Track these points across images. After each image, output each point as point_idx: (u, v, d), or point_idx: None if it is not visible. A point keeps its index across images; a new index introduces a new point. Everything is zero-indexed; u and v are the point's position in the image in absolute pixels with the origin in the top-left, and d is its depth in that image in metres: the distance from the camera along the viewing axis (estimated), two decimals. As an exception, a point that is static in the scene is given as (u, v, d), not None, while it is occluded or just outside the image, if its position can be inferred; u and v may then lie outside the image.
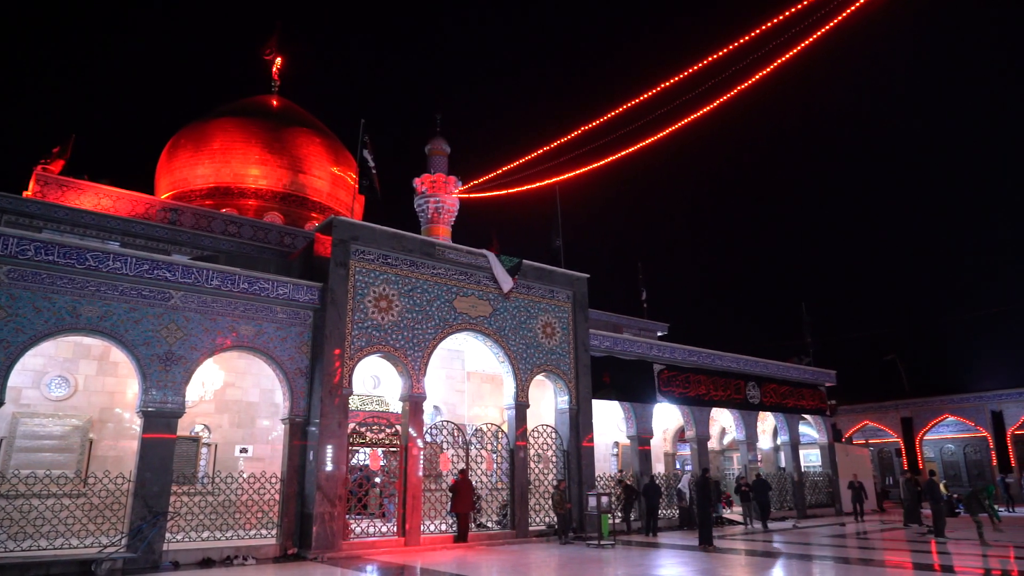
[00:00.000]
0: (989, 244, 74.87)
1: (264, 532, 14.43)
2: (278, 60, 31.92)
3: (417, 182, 35.37)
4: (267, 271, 15.23)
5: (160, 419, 12.75)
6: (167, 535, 12.46)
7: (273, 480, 14.16)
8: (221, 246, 21.03)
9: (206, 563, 12.40)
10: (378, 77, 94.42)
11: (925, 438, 37.22)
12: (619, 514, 19.25)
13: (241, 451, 16.62)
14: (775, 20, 27.97)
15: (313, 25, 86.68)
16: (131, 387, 14.93)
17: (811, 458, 28.50)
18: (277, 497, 14.11)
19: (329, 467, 13.97)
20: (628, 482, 19.83)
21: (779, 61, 28.80)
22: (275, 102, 30.07)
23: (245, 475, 14.70)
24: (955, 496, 26.57)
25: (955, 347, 57.10)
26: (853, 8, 26.23)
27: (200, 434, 16.16)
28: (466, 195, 35.42)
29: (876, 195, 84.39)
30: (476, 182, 35.03)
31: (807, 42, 28.18)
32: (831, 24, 27.55)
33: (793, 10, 27.27)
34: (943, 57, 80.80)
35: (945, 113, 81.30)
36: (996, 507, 19.04)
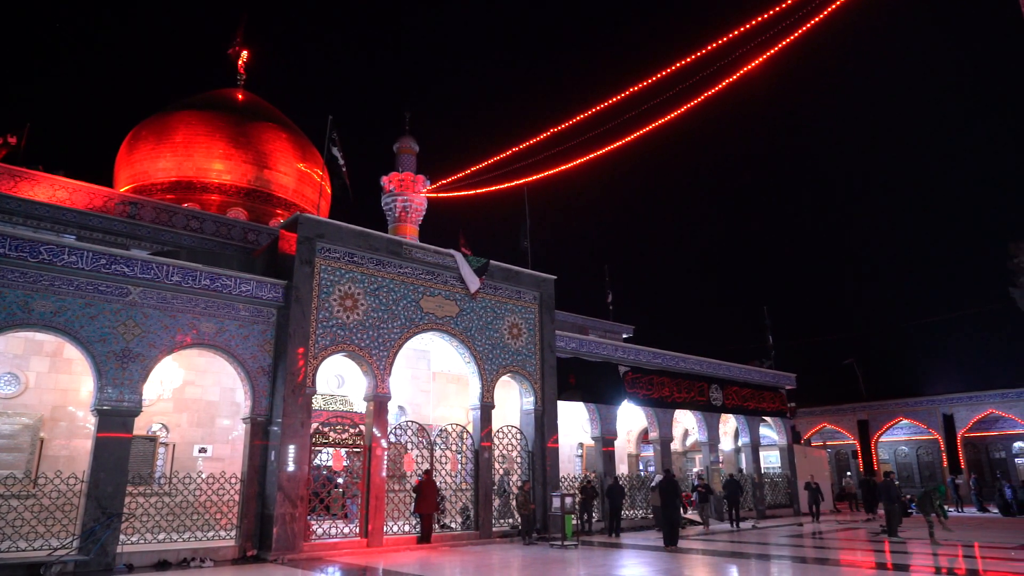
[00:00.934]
0: (943, 254, 77.25)
1: (223, 534, 14.15)
2: (244, 53, 31.38)
3: (385, 180, 35.12)
4: (230, 268, 14.95)
5: (116, 418, 12.41)
6: (121, 537, 12.13)
7: (233, 480, 13.90)
8: (182, 241, 20.58)
9: (162, 565, 12.11)
10: (347, 74, 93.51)
11: (880, 440, 38.18)
12: (594, 515, 19.41)
13: (200, 451, 16.29)
14: (742, 28, 28.49)
15: (280, 19, 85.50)
16: (85, 385, 14.53)
17: (771, 459, 29.03)
18: (237, 498, 13.85)
19: (291, 467, 13.77)
20: (590, 483, 19.93)
21: (743, 70, 29.36)
22: (240, 96, 29.56)
23: (204, 475, 14.39)
24: (908, 497, 27.31)
25: (910, 352, 58.74)
26: (811, 24, 26.85)
27: (158, 433, 15.80)
28: (434, 194, 35.28)
29: (837, 204, 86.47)
30: (444, 181, 34.92)
31: (769, 53, 28.78)
32: (788, 39, 28.16)
33: (756, 21, 27.81)
34: (906, 67, 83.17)
35: (907, 124, 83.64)
36: (946, 507, 19.61)
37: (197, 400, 16.69)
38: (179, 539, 13.22)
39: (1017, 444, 34.50)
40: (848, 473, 38.92)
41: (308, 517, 14.25)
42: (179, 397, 16.39)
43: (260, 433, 14.18)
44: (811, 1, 26.26)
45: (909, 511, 25.55)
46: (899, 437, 38.03)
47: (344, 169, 19.30)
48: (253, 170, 26.70)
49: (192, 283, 13.67)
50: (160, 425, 15.95)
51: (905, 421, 37.20)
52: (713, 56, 28.96)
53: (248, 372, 14.25)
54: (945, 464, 34.87)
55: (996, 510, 26.72)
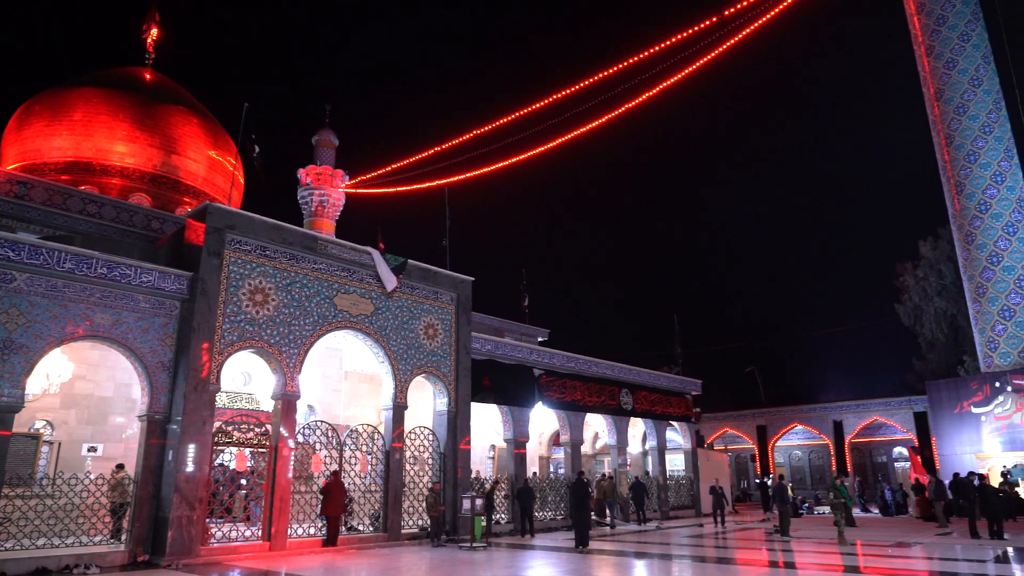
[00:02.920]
0: (837, 272, 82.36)
1: (124, 537, 13.29)
2: (154, 31, 29.72)
3: (302, 173, 34.17)
4: (131, 256, 14.12)
5: (-7, 413, 11.47)
6: (-5, 542, 11.23)
7: (126, 482, 13.11)
8: (78, 226, 19.28)
9: (41, 572, 11.27)
10: (266, 62, 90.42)
11: (777, 445, 40.23)
12: (503, 516, 19.47)
13: (89, 450, 15.32)
14: (661, 45, 29.47)
15: (196, 1, 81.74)
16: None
17: (675, 462, 30.03)
18: (129, 500, 13.07)
19: (190, 468, 13.13)
20: (500, 485, 20.03)
21: (662, 85, 30.37)
22: (148, 76, 28.01)
23: (93, 476, 13.51)
24: (800, 498, 28.91)
25: (806, 362, 62.16)
26: (724, 44, 28.06)
27: (41, 431, 14.73)
28: (353, 190, 34.63)
29: (744, 223, 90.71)
30: (364, 177, 34.38)
31: (686, 71, 29.91)
32: (703, 59, 29.38)
33: (677, 38, 28.81)
34: (806, 90, 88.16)
35: (806, 150, 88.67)
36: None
37: (88, 396, 15.68)
38: (61, 544, 12.34)
39: (897, 449, 37.16)
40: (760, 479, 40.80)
41: (207, 520, 13.62)
42: (68, 392, 15.34)
43: (157, 431, 13.45)
44: (736, 18, 27.46)
45: (800, 512, 27.05)
46: (794, 442, 40.19)
47: (256, 153, 18.61)
48: (159, 155, 25.35)
49: (87, 271, 12.83)
50: (44, 422, 14.89)
51: (800, 427, 39.34)
52: (633, 69, 29.85)
53: (147, 367, 13.50)
54: (834, 467, 37.08)
55: (877, 511, 28.63)
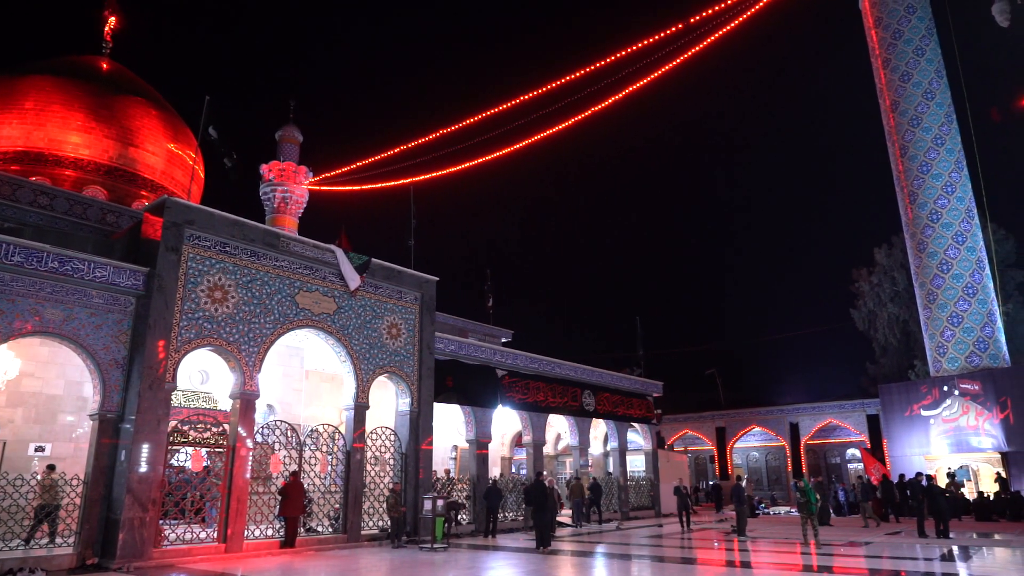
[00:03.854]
0: (795, 277, 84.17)
1: (60, 541, 12.89)
2: (112, 20, 28.90)
3: (265, 169, 33.62)
4: (84, 250, 13.71)
5: (-66, 411, 11.02)
6: (-66, 546, 10.79)
7: (75, 483, 12.72)
8: (28, 218, 18.60)
9: (-17, 577, 10.87)
10: (228, 55, 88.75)
11: (735, 446, 40.92)
12: (465, 517, 19.40)
13: (37, 449, 14.81)
14: (629, 49, 29.75)
15: (157, -12, 79.84)
16: (-102, 373, 12.82)
17: (636, 463, 30.34)
18: (78, 501, 12.68)
19: (144, 468, 12.80)
20: (462, 485, 19.99)
21: (628, 89, 30.66)
22: (105, 65, 27.23)
23: (39, 477, 13.08)
24: (757, 499, 29.46)
25: (764, 365, 63.43)
26: (692, 50, 28.48)
27: (-15, 430, 14.21)
28: (317, 187, 34.20)
29: (708, 229, 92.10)
30: (328, 175, 33.97)
31: (651, 76, 30.25)
32: (671, 64, 29.74)
33: (645, 43, 29.11)
34: (769, 106, 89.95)
35: (768, 161, 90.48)
36: (789, 509, 21.29)
37: (36, 394, 15.17)
38: (4, 547, 11.91)
39: (850, 451, 38.11)
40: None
41: (160, 522, 13.30)
42: (14, 390, 14.82)
43: (110, 431, 13.08)
44: (700, 26, 27.86)
45: (757, 512, 27.56)
46: (752, 443, 40.94)
47: (223, 150, 18.24)
48: (116, 146, 24.66)
49: (37, 264, 12.42)
50: (-10, 421, 14.35)
51: (757, 428, 40.09)
52: (600, 73, 30.08)
53: (99, 364, 13.12)
54: (790, 468, 37.88)
55: (831, 511, 29.31)
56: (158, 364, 13.37)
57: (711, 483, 35.93)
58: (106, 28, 28.66)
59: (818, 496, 20.06)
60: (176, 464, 16.35)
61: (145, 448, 12.91)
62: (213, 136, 18.01)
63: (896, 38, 33.02)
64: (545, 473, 21.98)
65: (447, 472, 22.50)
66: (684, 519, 21.10)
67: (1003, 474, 26.92)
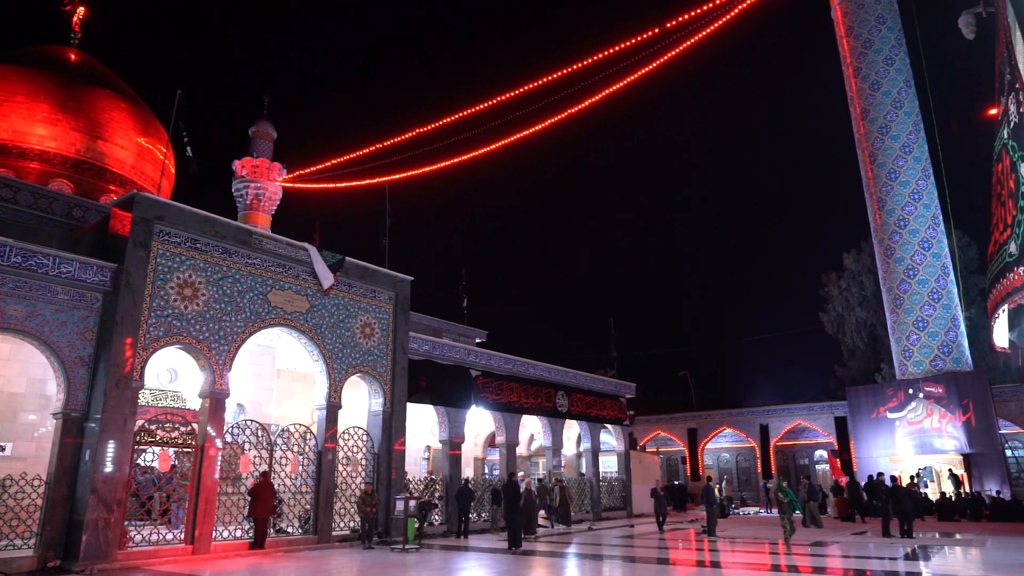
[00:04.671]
0: (765, 281, 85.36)
1: (19, 543, 12.56)
2: (80, 9, 28.25)
3: (237, 165, 33.20)
4: (49, 245, 13.42)
5: None
6: None
7: (36, 483, 12.41)
8: (-10, 212, 18.15)
9: (-61, 580, 10.57)
10: (201, 49, 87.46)
11: (707, 447, 41.35)
12: (437, 518, 19.31)
13: (-3, 449, 14.41)
14: (609, 51, 29.93)
15: (128, -21, 78.39)
16: None
17: (609, 464, 30.50)
18: (40, 502, 12.37)
19: (109, 468, 12.54)
20: (436, 486, 19.91)
21: (605, 92, 30.86)
22: (73, 56, 26.62)
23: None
24: (726, 499, 29.79)
25: (735, 367, 64.21)
26: (667, 55, 28.76)
27: (-57, 429, 13.80)
28: (290, 184, 33.85)
29: (682, 232, 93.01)
30: (302, 172, 33.65)
31: (629, 79, 30.47)
32: (648, 67, 30.00)
33: (623, 45, 29.32)
34: (741, 114, 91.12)
35: (740, 168, 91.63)
36: (759, 509, 21.57)
37: (-3, 392, 14.77)
38: (-37, 549, 11.60)
39: (818, 452, 38.73)
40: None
41: (126, 523, 13.04)
42: (-26, 388, 14.42)
43: (74, 430, 12.79)
44: (676, 31, 28.11)
45: (728, 512, 27.87)
46: (723, 445, 41.41)
47: (187, 142, 17.96)
48: (84, 139, 24.12)
49: (-1, 259, 12.10)
50: (-52, 419, 13.95)
51: (728, 430, 40.55)
52: (577, 75, 30.19)
53: (64, 362, 12.82)
54: (759, 470, 38.39)
55: (798, 511, 29.76)
56: (125, 362, 13.11)
57: (675, 483, 36.23)
58: (75, 18, 28.01)
59: (806, 496, 20.28)
60: (143, 464, 16.04)
61: (111, 447, 12.65)
62: (181, 130, 17.74)
63: (866, 47, 33.67)
64: (522, 474, 21.98)
65: (429, 473, 22.37)
66: (660, 520, 21.19)
67: (955, 472, 27.74)
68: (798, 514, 17.89)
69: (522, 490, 18.26)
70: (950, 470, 28.12)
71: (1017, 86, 7.42)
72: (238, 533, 14.87)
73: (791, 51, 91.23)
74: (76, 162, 23.89)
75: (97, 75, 26.11)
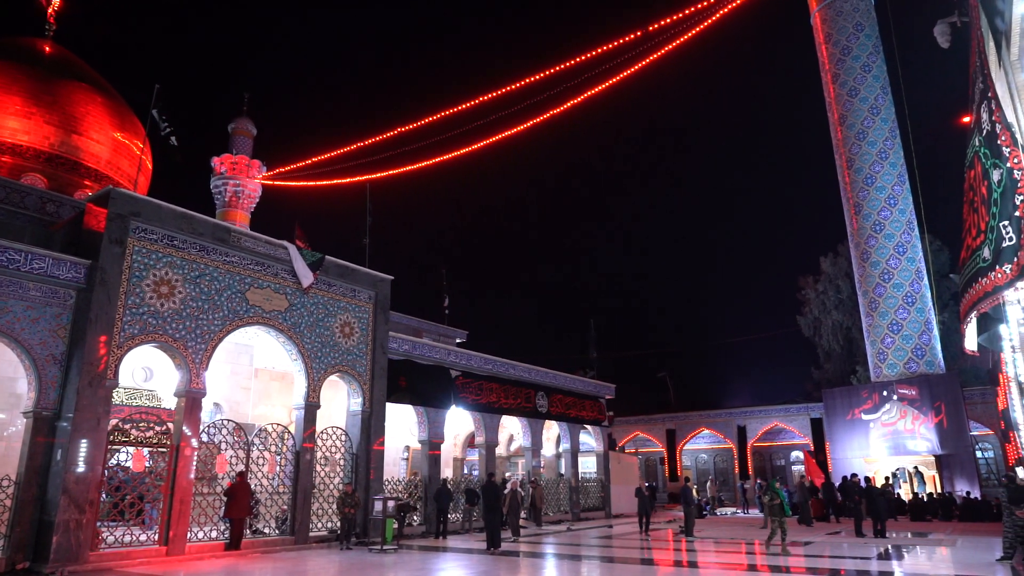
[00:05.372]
0: (743, 284, 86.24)
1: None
2: (56, 0, 27.74)
3: (216, 162, 32.83)
4: (20, 240, 13.18)
5: None
6: None
7: (5, 483, 12.17)
8: (-40, 206, 17.76)
9: (-97, 582, 10.32)
10: (181, 44, 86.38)
11: (685, 448, 41.65)
12: (416, 518, 19.22)
13: (-35, 448, 14.11)
14: (585, 56, 30.02)
15: (106, -28, 77.20)
16: None
17: (588, 465, 30.58)
18: (8, 503, 12.13)
19: (81, 468, 12.33)
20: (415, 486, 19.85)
21: (585, 94, 30.95)
22: (48, 48, 26.15)
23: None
24: (704, 500, 30.02)
25: (713, 369, 64.75)
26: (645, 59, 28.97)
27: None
28: (270, 182, 33.56)
29: (655, 233, 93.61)
30: (283, 169, 33.37)
31: (610, 81, 30.61)
32: (627, 71, 30.19)
33: (601, 50, 29.44)
34: (717, 117, 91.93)
35: (722, 160, 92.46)
36: (736, 510, 21.71)
37: (-34, 390, 14.46)
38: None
39: (794, 453, 39.17)
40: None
41: (98, 524, 12.82)
42: (-58, 386, 14.10)
43: (45, 429, 12.56)
44: (650, 38, 28.32)
45: (704, 513, 28.08)
46: (701, 445, 41.73)
47: (169, 130, 17.73)
48: (58, 133, 23.70)
49: (-31, 254, 11.85)
50: (-86, 417, 13.63)
51: (707, 431, 40.88)
52: (560, 76, 30.26)
53: (35, 360, 12.59)
54: (736, 470, 38.74)
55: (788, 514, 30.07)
56: (99, 360, 12.90)
57: (648, 484, 36.47)
58: (49, 9, 27.51)
59: (806, 496, 20.21)
60: (116, 464, 15.79)
61: (83, 447, 12.44)
62: (161, 121, 17.51)
63: (845, 54, 34.13)
64: (509, 475, 21.91)
65: (415, 475, 22.22)
66: (644, 521, 20.12)
67: (920, 470, 28.42)
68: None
69: (507, 491, 18.24)
70: (916, 468, 28.78)
71: (989, 95, 7.57)
72: (214, 534, 14.70)
73: (771, 57, 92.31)
74: (50, 156, 23.46)
75: (73, 68, 25.67)
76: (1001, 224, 7.08)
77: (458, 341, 31.69)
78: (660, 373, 50.35)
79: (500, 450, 27.90)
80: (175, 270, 14.48)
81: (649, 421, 42.87)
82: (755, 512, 31.52)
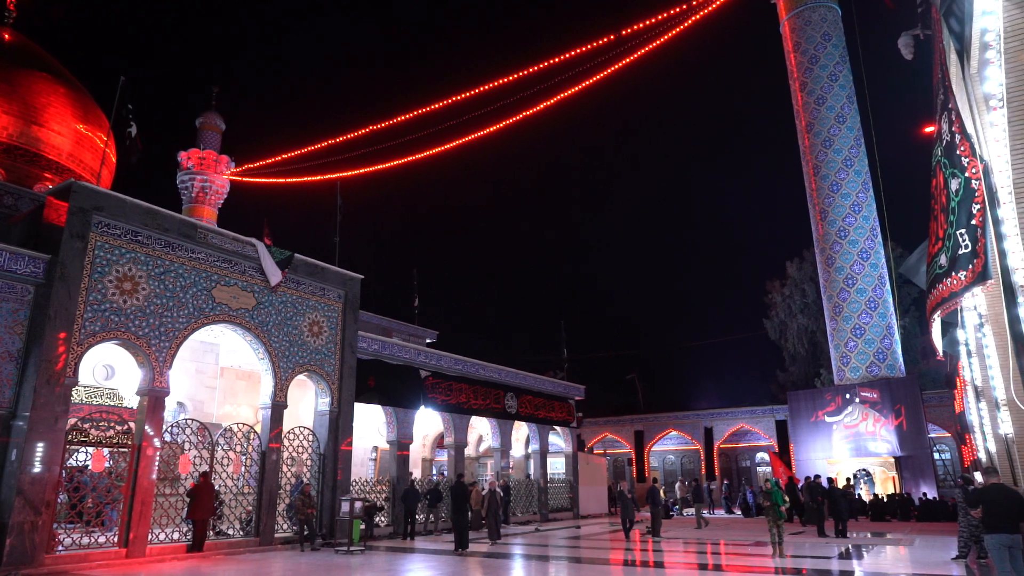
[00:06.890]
0: (711, 287, 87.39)
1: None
2: (17, -13, 26.93)
3: (183, 156, 32.25)
4: (-24, 233, 12.75)
5: None
6: None
7: (-42, 483, 11.79)
8: (-87, 197, 17.19)
9: None
10: (147, 35, 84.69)
11: (653, 449, 42.03)
12: (383, 519, 19.06)
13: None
14: (559, 58, 30.15)
15: (70, -41, 75.29)
16: None
17: (557, 466, 30.69)
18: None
19: (37, 468, 12.00)
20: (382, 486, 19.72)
21: (560, 96, 31.07)
22: (8, 36, 25.41)
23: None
24: (672, 501, 30.32)
25: (681, 371, 65.50)
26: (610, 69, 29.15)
27: None
28: (238, 178, 33.06)
29: (624, 236, 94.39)
30: (251, 166, 32.92)
31: (582, 84, 30.77)
32: (598, 76, 30.37)
33: (576, 52, 29.59)
34: (691, 125, 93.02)
35: (691, 165, 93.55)
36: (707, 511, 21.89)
37: (-84, 387, 13.96)
38: None
39: (759, 455, 39.79)
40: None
41: (55, 526, 12.49)
42: None
43: (0, 428, 12.19)
44: (625, 41, 28.55)
45: (671, 514, 28.36)
46: (668, 447, 42.16)
47: (134, 133, 17.36)
48: (17, 124, 23.03)
49: (-78, 247, 11.45)
50: None
51: (674, 432, 41.31)
52: (533, 78, 30.35)
53: (-10, 357, 12.21)
54: (704, 471, 39.21)
55: (740, 512, 30.52)
56: (57, 358, 12.57)
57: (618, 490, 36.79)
58: (11, -3, 26.72)
59: (786, 498, 20.05)
60: (75, 464, 15.39)
61: (39, 447, 12.11)
62: (126, 113, 17.15)
63: (812, 63, 34.79)
64: (490, 475, 21.82)
65: (385, 478, 22.04)
66: (627, 526, 18.41)
67: (869, 471, 29.31)
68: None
69: (484, 492, 17.93)
70: (864, 470, 29.65)
71: (950, 106, 7.78)
72: (175, 536, 14.42)
73: (741, 64, 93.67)
74: (8, 147, 22.79)
75: (34, 57, 24.98)
76: (958, 232, 7.27)
77: (428, 341, 31.56)
78: (629, 375, 50.77)
79: (469, 451, 27.86)
80: (139, 266, 14.18)
81: (618, 422, 43.17)
82: (720, 512, 31.95)
